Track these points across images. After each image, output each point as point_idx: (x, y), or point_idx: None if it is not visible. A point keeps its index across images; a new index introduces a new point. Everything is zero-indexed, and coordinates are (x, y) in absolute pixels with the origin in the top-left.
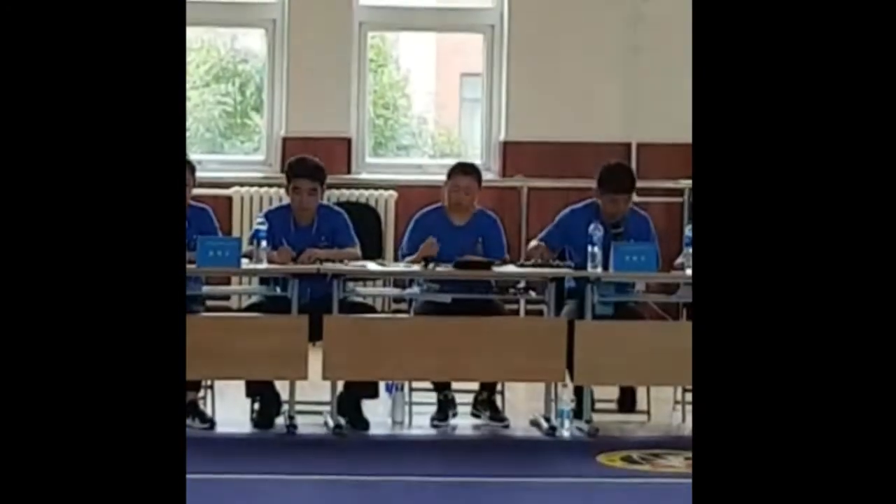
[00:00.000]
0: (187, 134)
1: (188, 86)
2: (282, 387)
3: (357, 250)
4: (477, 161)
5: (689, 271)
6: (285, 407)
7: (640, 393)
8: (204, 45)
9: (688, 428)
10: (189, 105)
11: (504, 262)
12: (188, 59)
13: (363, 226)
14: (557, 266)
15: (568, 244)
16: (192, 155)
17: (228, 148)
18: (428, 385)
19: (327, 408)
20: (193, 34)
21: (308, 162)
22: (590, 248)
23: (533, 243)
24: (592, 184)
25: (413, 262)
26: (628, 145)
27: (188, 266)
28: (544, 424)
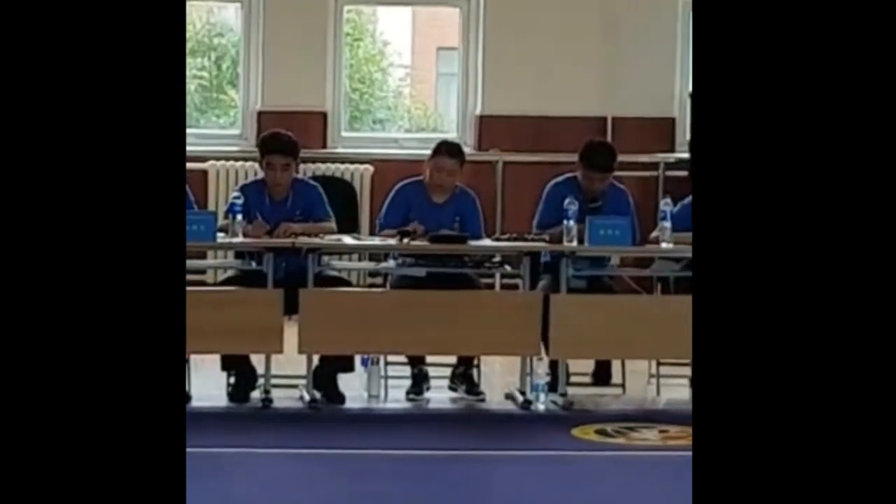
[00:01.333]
0: None
1: None
2: (257, 361)
3: (332, 224)
4: (453, 135)
5: (663, 245)
6: (261, 381)
7: (615, 366)
8: None
9: (662, 401)
10: None
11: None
12: None
13: (339, 200)
14: (533, 240)
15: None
16: None
17: (204, 122)
18: (403, 359)
19: (303, 381)
20: None
21: (281, 137)
22: (565, 223)
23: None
24: (568, 158)
25: (390, 235)
26: (604, 119)
27: None
28: (519, 398)
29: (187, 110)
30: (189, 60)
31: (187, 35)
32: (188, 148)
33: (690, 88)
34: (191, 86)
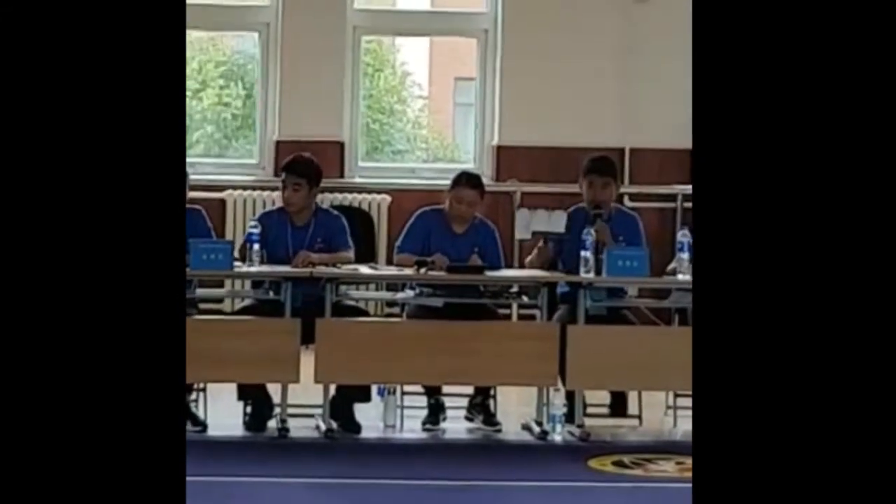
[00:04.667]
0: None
1: (199, 86)
2: (274, 390)
3: (351, 254)
4: (470, 166)
5: (681, 276)
6: (277, 410)
7: (632, 397)
8: (204, 45)
9: (679, 433)
10: (203, 105)
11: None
12: (196, 59)
13: (356, 230)
14: (551, 265)
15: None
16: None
17: (232, 151)
18: (420, 389)
19: (319, 411)
20: (196, 35)
21: (297, 158)
22: (582, 254)
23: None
24: (581, 189)
25: (407, 263)
26: (622, 150)
27: None
28: (536, 429)
29: (219, 137)
30: (223, 88)
31: (218, 62)
32: (207, 177)
33: None
34: (225, 114)
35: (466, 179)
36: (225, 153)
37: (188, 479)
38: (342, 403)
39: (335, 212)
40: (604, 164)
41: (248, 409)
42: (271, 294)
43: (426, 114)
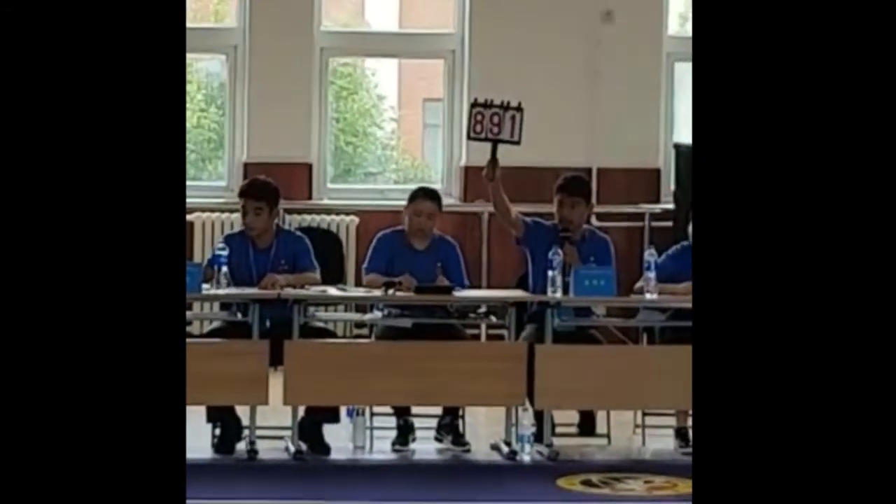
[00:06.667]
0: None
1: None
2: (242, 412)
3: (317, 275)
4: (438, 186)
5: (648, 295)
6: (246, 432)
7: (601, 417)
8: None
9: (648, 452)
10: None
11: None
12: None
13: (325, 251)
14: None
15: (533, 247)
16: None
17: (207, 174)
18: (389, 410)
19: (288, 433)
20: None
21: (255, 182)
22: (550, 273)
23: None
24: (553, 209)
25: (376, 284)
26: (589, 170)
27: None
28: (504, 448)
29: (196, 159)
30: (204, 111)
31: (198, 86)
32: None
33: (675, 139)
34: (203, 136)
35: (424, 193)
36: (199, 175)
37: None
38: (311, 425)
39: (298, 233)
40: (574, 184)
41: (217, 431)
42: (239, 316)
43: (396, 135)
